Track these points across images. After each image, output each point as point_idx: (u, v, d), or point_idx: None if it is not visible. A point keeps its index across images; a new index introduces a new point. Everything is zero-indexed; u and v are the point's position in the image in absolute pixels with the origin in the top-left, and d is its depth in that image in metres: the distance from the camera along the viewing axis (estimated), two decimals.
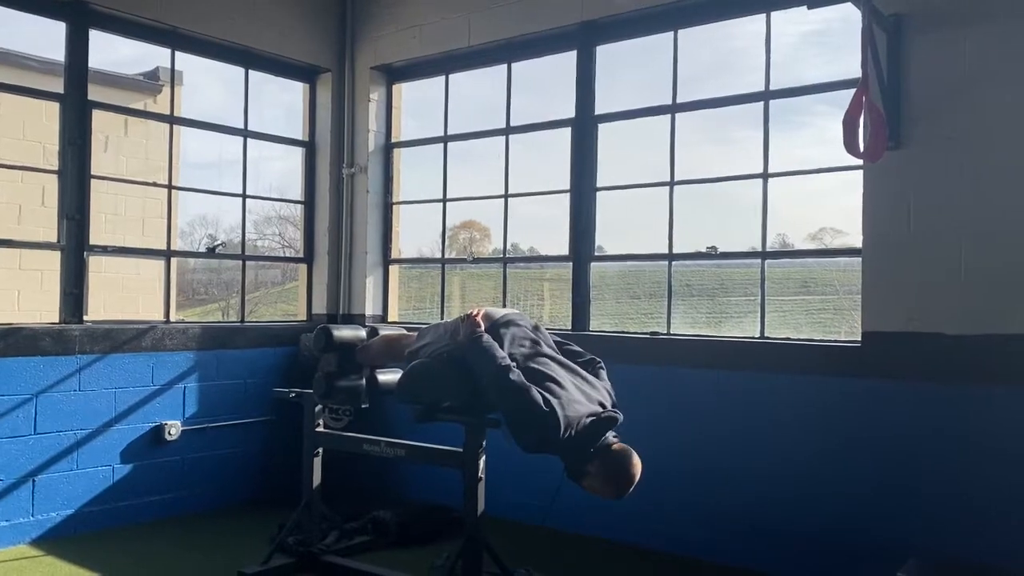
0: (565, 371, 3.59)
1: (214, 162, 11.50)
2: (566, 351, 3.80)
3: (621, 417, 3.51)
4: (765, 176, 4.91)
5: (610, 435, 3.46)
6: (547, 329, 3.92)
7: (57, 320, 5.29)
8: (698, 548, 4.88)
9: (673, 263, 5.29)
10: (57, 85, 5.38)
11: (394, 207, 6.80)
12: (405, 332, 4.32)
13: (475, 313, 3.72)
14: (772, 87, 4.91)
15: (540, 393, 3.36)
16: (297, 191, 6.86)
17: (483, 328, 3.62)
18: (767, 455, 4.67)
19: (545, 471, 5.46)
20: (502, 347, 3.56)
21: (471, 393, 3.66)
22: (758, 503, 4.69)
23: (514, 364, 3.47)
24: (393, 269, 6.83)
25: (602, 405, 3.56)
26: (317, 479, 4.58)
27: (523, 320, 3.80)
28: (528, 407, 3.34)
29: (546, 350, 3.67)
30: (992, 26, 4.10)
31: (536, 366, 3.53)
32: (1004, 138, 4.05)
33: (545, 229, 6.35)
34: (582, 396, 3.50)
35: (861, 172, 4.46)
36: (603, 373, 3.80)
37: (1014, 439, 3.96)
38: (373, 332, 4.48)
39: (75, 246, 5.31)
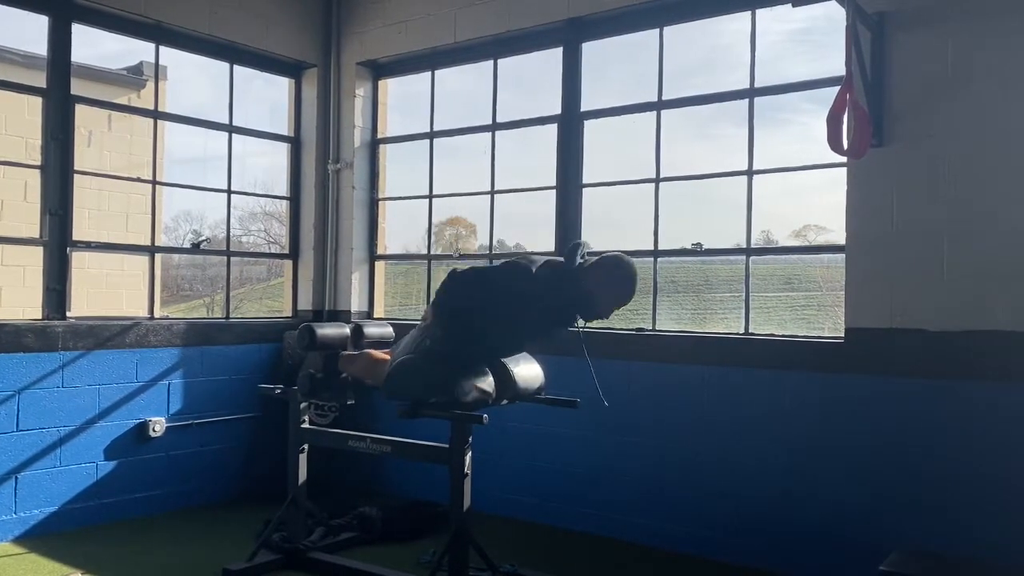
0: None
1: (199, 157, 11.40)
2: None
3: (585, 241, 3.76)
4: (750, 173, 4.94)
5: (583, 259, 3.63)
6: None
7: (40, 316, 5.25)
8: (684, 543, 4.91)
9: (658, 259, 5.32)
10: (40, 79, 5.33)
11: (380, 203, 6.79)
12: (387, 358, 4.27)
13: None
14: (757, 85, 4.93)
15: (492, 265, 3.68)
16: (282, 187, 6.84)
17: None
18: (751, 451, 4.70)
19: (534, 468, 5.49)
20: None
21: (455, 383, 3.67)
22: (742, 498, 4.72)
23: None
24: (379, 265, 6.82)
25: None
26: (303, 475, 4.57)
27: None
28: (489, 273, 3.62)
29: None
30: (975, 25, 4.13)
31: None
32: (986, 136, 4.09)
33: (531, 225, 6.36)
34: (542, 257, 3.74)
35: (845, 169, 4.50)
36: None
37: (995, 434, 4.00)
38: (358, 329, 4.47)
39: (58, 242, 5.27)
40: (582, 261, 3.63)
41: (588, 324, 3.73)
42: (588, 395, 4.00)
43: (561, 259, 3.68)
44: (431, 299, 3.81)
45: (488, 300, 3.63)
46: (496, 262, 3.94)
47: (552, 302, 3.61)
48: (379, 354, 4.31)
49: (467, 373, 3.73)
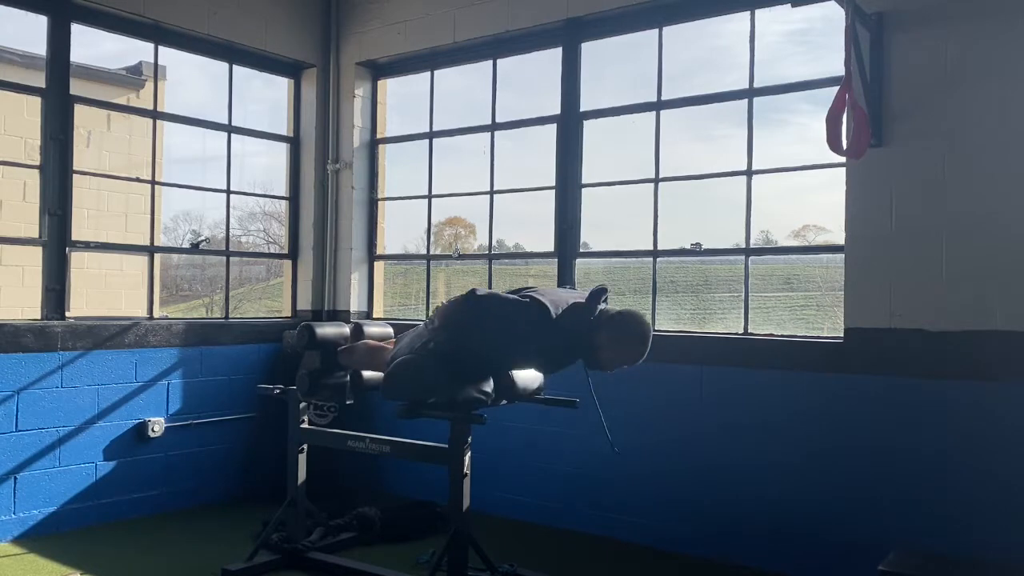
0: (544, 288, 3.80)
1: (198, 157, 11.40)
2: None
3: (608, 288, 3.62)
4: (749, 173, 4.94)
5: (605, 306, 3.56)
6: None
7: (39, 316, 5.25)
8: (683, 543, 4.91)
9: (658, 259, 5.32)
10: (39, 79, 5.33)
11: (379, 203, 6.79)
12: (386, 346, 4.28)
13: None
14: (756, 85, 4.94)
15: (513, 295, 3.59)
16: (282, 187, 6.84)
17: None
18: (750, 451, 4.70)
19: (533, 468, 5.49)
20: None
21: (457, 386, 3.67)
22: (741, 498, 4.72)
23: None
24: (378, 265, 6.82)
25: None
26: (302, 475, 4.57)
27: None
28: (509, 306, 3.51)
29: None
30: (974, 25, 4.14)
31: (512, 289, 3.76)
32: (985, 136, 4.09)
33: (530, 225, 6.35)
34: (564, 292, 3.71)
35: (844, 170, 4.50)
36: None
37: (995, 434, 4.00)
38: (357, 329, 4.47)
39: (57, 242, 5.27)
40: (603, 308, 3.54)
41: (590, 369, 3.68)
42: (587, 396, 3.98)
43: (582, 301, 3.58)
44: (446, 306, 3.71)
45: (501, 334, 3.57)
46: (518, 292, 3.74)
47: (563, 347, 3.56)
48: (376, 343, 4.32)
49: (467, 375, 3.73)
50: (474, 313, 3.58)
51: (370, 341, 4.35)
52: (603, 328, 3.48)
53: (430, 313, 3.97)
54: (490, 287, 6.17)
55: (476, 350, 3.67)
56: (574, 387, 4.05)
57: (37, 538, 4.99)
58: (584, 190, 5.62)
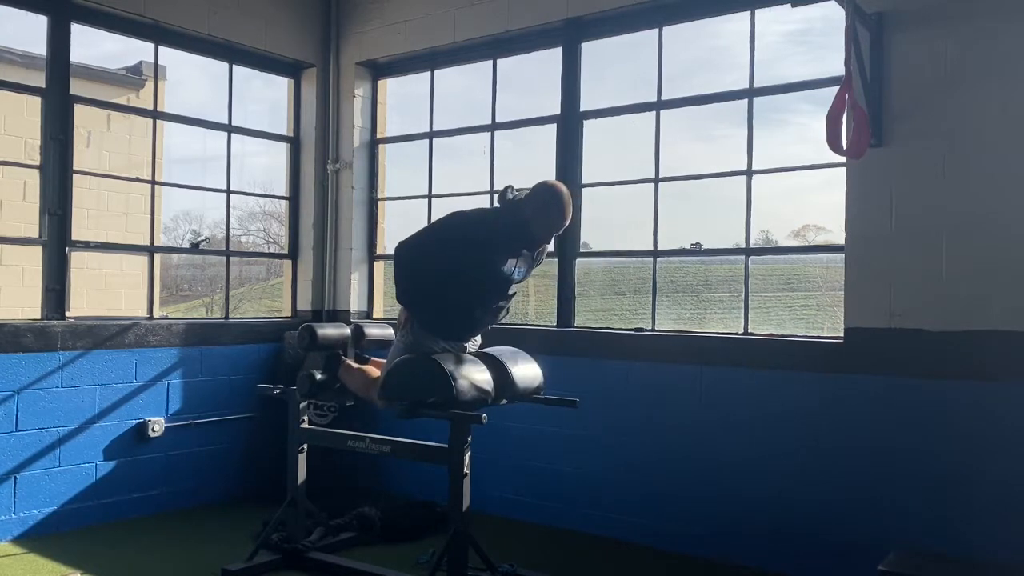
0: None
1: (198, 157, 11.41)
2: None
3: (512, 185, 3.84)
4: (749, 173, 4.94)
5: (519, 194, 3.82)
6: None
7: (39, 316, 5.25)
8: (684, 543, 4.91)
9: (658, 259, 5.32)
10: (39, 79, 5.33)
11: (379, 203, 6.80)
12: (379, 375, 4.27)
13: None
14: (756, 85, 4.94)
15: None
16: (282, 187, 6.84)
17: None
18: (751, 450, 4.70)
19: (533, 468, 5.49)
20: None
21: (453, 385, 3.67)
22: (741, 498, 4.72)
23: None
24: (378, 265, 6.82)
25: None
26: (302, 476, 4.57)
27: None
28: (425, 232, 3.82)
29: None
30: (974, 25, 4.14)
31: None
32: (986, 136, 4.09)
33: None
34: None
35: (844, 169, 4.50)
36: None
37: (995, 434, 4.00)
38: (358, 330, 4.47)
39: (57, 242, 5.27)
40: (514, 196, 3.78)
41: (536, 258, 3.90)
42: (587, 395, 4.00)
43: (496, 206, 3.85)
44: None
45: (437, 262, 3.77)
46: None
47: (495, 241, 3.74)
48: (374, 373, 4.30)
49: (465, 372, 3.73)
50: (407, 257, 3.80)
51: (367, 371, 4.32)
52: (525, 203, 3.75)
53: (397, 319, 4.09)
54: None
55: (441, 311, 3.82)
56: (575, 387, 4.05)
57: (37, 538, 4.99)
58: (584, 190, 5.62)
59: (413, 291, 3.85)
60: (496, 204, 3.87)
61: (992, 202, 4.06)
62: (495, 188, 6.04)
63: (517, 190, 3.82)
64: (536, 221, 3.75)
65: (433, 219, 4.27)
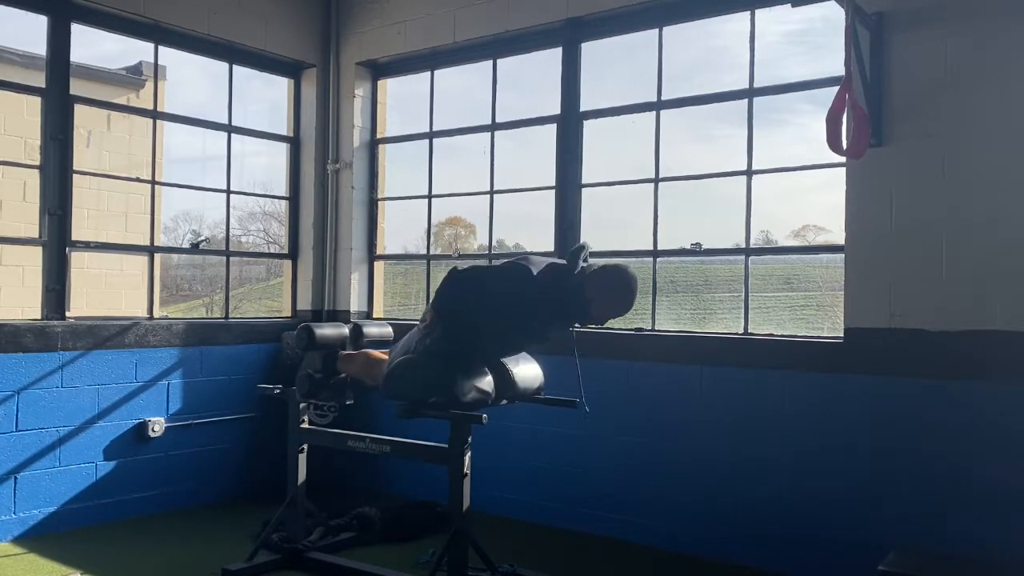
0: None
1: (198, 157, 11.41)
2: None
3: (588, 244, 3.66)
4: (749, 173, 4.94)
5: (586, 264, 3.61)
6: None
7: (39, 316, 5.25)
8: (684, 543, 4.91)
9: (658, 259, 5.32)
10: (39, 79, 5.33)
11: (379, 203, 6.80)
12: (384, 357, 4.27)
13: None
14: (756, 85, 4.94)
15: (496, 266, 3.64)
16: (282, 187, 6.84)
17: None
18: (751, 451, 4.70)
19: (533, 468, 5.49)
20: None
21: (455, 381, 3.67)
22: (741, 498, 4.72)
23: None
24: (378, 265, 6.82)
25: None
26: (302, 475, 4.57)
27: None
28: (491, 273, 3.59)
29: None
30: (974, 25, 4.14)
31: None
32: (985, 136, 4.09)
33: (530, 225, 6.35)
34: (542, 257, 3.74)
35: (844, 170, 4.50)
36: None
37: (995, 434, 4.00)
38: (357, 329, 4.47)
39: (57, 242, 5.27)
40: (585, 266, 3.61)
41: (583, 327, 3.73)
42: (588, 396, 3.99)
43: (563, 261, 3.67)
44: (434, 297, 3.79)
45: (486, 302, 3.62)
46: (497, 262, 3.88)
47: (550, 305, 3.61)
48: (377, 354, 4.31)
49: (467, 373, 3.74)
50: (458, 288, 3.64)
51: (370, 352, 4.35)
52: (590, 281, 3.54)
53: (421, 315, 3.97)
54: None
55: (468, 334, 3.69)
56: (575, 387, 4.04)
57: (37, 538, 4.99)
58: (584, 190, 5.63)
59: (450, 309, 3.70)
60: (563, 260, 3.66)
61: (992, 202, 4.06)
62: (495, 188, 6.04)
63: (589, 255, 3.65)
64: (598, 303, 3.54)
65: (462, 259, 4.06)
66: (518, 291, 3.57)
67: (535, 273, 3.59)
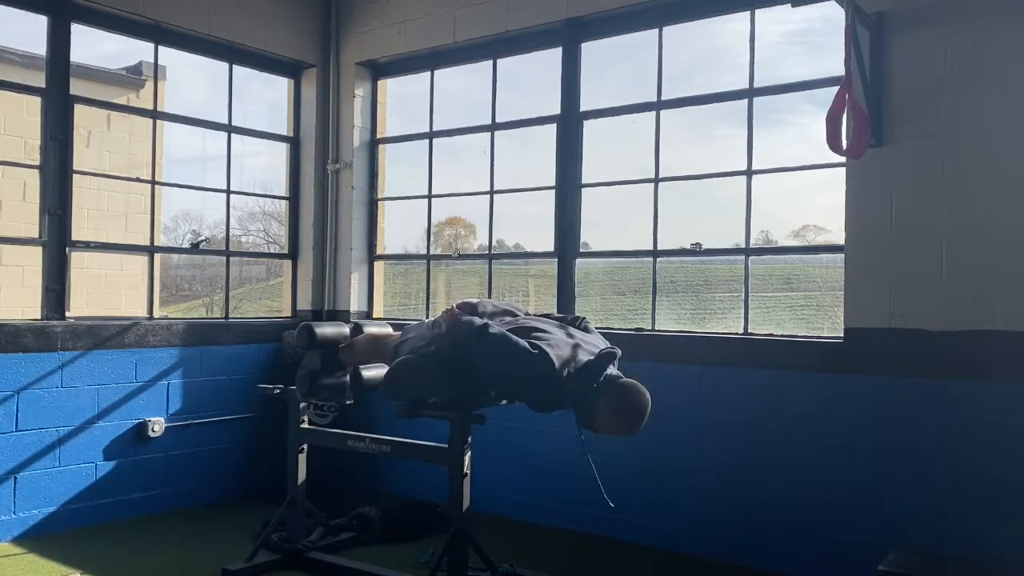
0: (550, 325, 3.68)
1: (198, 157, 11.40)
2: (546, 316, 3.94)
3: (619, 352, 3.55)
4: (749, 173, 4.94)
5: (613, 370, 3.47)
6: None
7: (39, 316, 5.25)
8: (684, 543, 4.91)
9: (658, 259, 5.32)
10: (39, 79, 5.33)
11: (379, 203, 6.79)
12: (390, 331, 4.33)
13: (454, 307, 3.82)
14: (756, 85, 4.94)
15: (526, 341, 3.42)
16: (282, 187, 6.84)
17: (462, 315, 3.71)
18: (751, 451, 4.70)
19: (533, 468, 5.49)
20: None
21: (456, 387, 3.67)
22: (741, 498, 4.72)
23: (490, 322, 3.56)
24: (378, 265, 6.82)
25: (597, 348, 3.60)
26: (302, 475, 4.57)
27: (499, 302, 3.94)
28: (516, 353, 3.38)
29: (525, 318, 3.79)
30: (974, 25, 4.14)
31: (519, 325, 3.62)
32: (985, 136, 4.09)
33: (530, 225, 6.35)
34: (572, 341, 3.55)
35: (844, 170, 4.50)
36: (591, 326, 3.88)
37: (995, 434, 4.00)
38: (357, 329, 4.47)
39: (57, 242, 5.27)
40: (608, 373, 3.45)
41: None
42: (580, 448, 3.94)
43: (591, 358, 3.48)
44: (455, 325, 3.60)
45: (503, 375, 3.55)
46: (529, 334, 3.54)
47: (562, 398, 3.49)
48: (379, 332, 4.31)
49: (467, 378, 3.73)
50: (480, 350, 3.51)
51: (372, 330, 4.36)
52: (604, 396, 3.40)
53: (439, 314, 3.92)
54: (490, 287, 6.17)
55: (475, 379, 3.67)
56: None
57: (37, 538, 4.99)
58: (584, 190, 5.63)
59: (467, 358, 3.60)
60: (592, 352, 3.52)
61: (992, 202, 4.06)
62: (495, 188, 6.04)
63: (615, 364, 3.51)
64: (604, 419, 3.42)
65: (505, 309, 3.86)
66: (534, 382, 3.44)
67: (558, 369, 3.40)
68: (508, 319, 3.77)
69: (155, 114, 6.27)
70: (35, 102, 5.35)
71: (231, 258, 6.68)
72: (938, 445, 4.14)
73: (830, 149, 3.84)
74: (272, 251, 13.26)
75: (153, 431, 5.56)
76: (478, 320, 3.58)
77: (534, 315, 3.93)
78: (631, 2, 5.23)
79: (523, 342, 3.41)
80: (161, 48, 5.88)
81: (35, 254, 5.40)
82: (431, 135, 6.44)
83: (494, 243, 6.28)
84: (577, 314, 3.93)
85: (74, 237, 5.38)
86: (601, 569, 4.69)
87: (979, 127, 4.11)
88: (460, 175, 6.55)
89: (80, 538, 5.03)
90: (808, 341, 4.67)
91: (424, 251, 6.73)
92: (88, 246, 5.82)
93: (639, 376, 3.90)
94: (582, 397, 3.43)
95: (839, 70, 3.96)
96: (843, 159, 4.27)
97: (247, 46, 6.22)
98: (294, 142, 6.76)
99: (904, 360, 4.25)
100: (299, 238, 6.77)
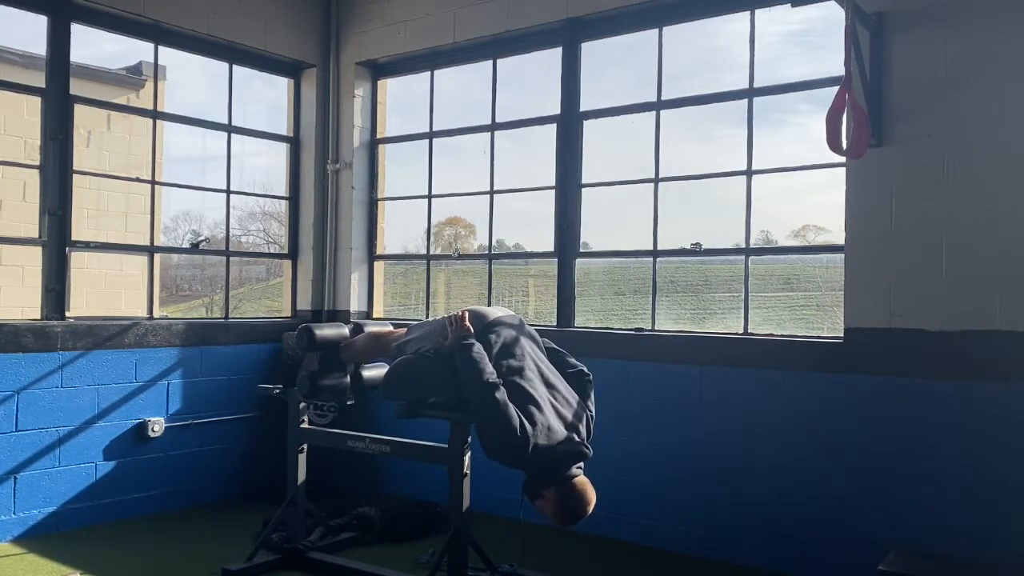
0: (547, 390, 3.60)
1: (198, 157, 11.40)
2: (557, 359, 3.83)
3: (590, 453, 3.54)
4: (749, 173, 4.94)
5: (574, 467, 3.49)
6: (532, 326, 3.92)
7: (39, 316, 5.25)
8: (682, 543, 4.91)
9: (658, 259, 5.32)
10: (39, 79, 5.33)
11: (379, 203, 6.80)
12: (391, 328, 4.33)
13: (463, 315, 3.69)
14: (756, 85, 4.94)
15: (519, 416, 3.39)
16: (282, 187, 6.84)
17: (472, 332, 3.61)
18: (750, 450, 4.70)
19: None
20: (490, 356, 3.55)
21: (456, 391, 3.66)
22: (741, 498, 4.72)
23: (500, 382, 3.46)
24: (378, 265, 6.82)
25: (577, 432, 3.55)
26: (302, 475, 4.57)
27: (513, 321, 3.79)
28: (505, 428, 3.38)
29: (532, 363, 3.65)
30: (974, 25, 4.14)
31: (521, 383, 3.53)
32: (985, 136, 4.09)
33: (530, 225, 6.35)
34: (559, 423, 3.52)
35: (844, 170, 4.50)
36: (590, 390, 3.82)
37: (995, 434, 4.00)
38: (357, 329, 4.47)
39: (57, 242, 5.27)
40: (570, 473, 3.45)
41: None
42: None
43: (563, 445, 3.47)
44: (464, 359, 3.53)
45: (483, 425, 3.52)
46: (527, 412, 3.48)
47: (522, 465, 3.48)
48: (380, 330, 4.31)
49: None
50: (477, 401, 3.48)
51: (372, 328, 4.36)
52: (557, 487, 3.44)
53: (446, 315, 3.86)
54: (490, 287, 6.17)
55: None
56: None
57: (37, 538, 4.99)
58: (584, 190, 5.63)
59: (464, 390, 3.57)
60: (577, 434, 3.51)
61: (992, 202, 4.06)
62: (495, 188, 6.05)
63: (578, 468, 3.49)
64: (547, 502, 3.45)
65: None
66: (506, 447, 3.41)
67: (529, 449, 3.37)
68: (516, 356, 3.63)
69: (155, 114, 6.27)
70: (35, 102, 5.36)
71: (231, 258, 6.68)
72: (938, 445, 4.14)
73: (830, 149, 3.84)
74: (272, 251, 13.25)
75: (153, 431, 5.56)
76: (488, 371, 3.47)
77: (542, 348, 3.81)
78: (631, 2, 5.23)
79: (516, 420, 3.37)
80: (161, 48, 5.89)
81: (35, 254, 5.40)
82: (431, 135, 6.44)
83: (494, 243, 6.28)
84: (583, 369, 3.84)
85: (74, 237, 5.38)
86: (601, 569, 4.69)
87: (979, 127, 4.11)
88: (460, 175, 6.55)
89: (80, 538, 5.03)
90: (808, 341, 4.67)
91: (424, 251, 6.73)
92: (88, 246, 5.82)
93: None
94: (538, 475, 3.46)
95: (839, 70, 3.96)
96: (843, 159, 4.28)
97: (247, 46, 6.22)
98: (294, 142, 6.76)
99: (904, 360, 4.25)
100: (299, 238, 6.77)
